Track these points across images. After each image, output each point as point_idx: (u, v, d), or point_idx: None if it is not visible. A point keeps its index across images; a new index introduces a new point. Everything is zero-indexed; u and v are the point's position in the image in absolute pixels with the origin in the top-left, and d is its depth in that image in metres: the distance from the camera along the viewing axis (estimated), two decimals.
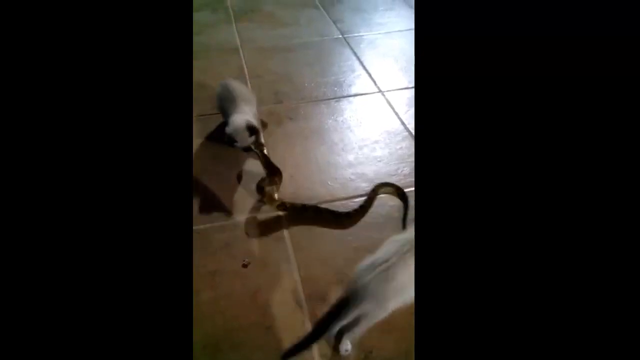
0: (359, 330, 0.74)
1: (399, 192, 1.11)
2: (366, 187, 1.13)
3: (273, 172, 1.13)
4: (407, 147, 1.27)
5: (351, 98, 1.50)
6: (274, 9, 2.10)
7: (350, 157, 1.24)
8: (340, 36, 1.87)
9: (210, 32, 1.90)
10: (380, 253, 0.74)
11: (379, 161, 1.23)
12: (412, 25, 1.91)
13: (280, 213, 1.06)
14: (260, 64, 1.67)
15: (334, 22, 1.98)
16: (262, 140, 1.27)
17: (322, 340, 0.73)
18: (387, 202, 1.10)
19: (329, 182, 1.16)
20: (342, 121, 1.39)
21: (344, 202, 1.09)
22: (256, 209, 1.08)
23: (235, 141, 1.13)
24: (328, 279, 0.91)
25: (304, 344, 0.71)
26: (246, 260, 0.95)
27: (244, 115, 1.16)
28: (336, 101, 1.48)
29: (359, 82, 1.58)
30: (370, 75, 1.61)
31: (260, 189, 1.07)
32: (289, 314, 0.85)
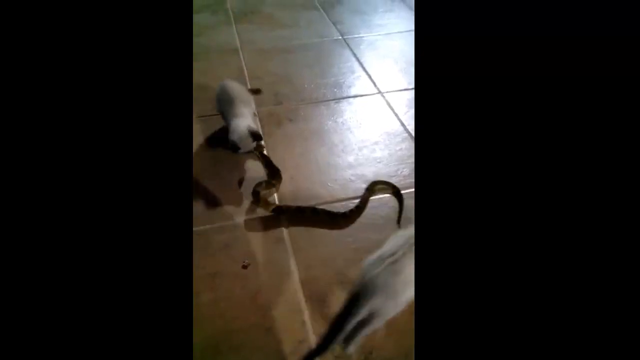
0: (373, 328, 0.72)
1: (394, 190, 1.11)
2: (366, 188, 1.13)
3: (274, 173, 1.14)
4: (407, 148, 1.27)
5: (351, 99, 1.50)
6: (273, 11, 2.10)
7: (350, 159, 1.24)
8: (340, 37, 1.88)
9: (210, 33, 1.90)
10: (387, 247, 0.73)
11: (379, 162, 1.23)
12: (412, 27, 1.92)
13: (284, 214, 1.06)
14: (260, 65, 1.67)
15: (334, 24, 1.98)
16: (262, 142, 1.27)
17: (338, 340, 0.71)
18: (386, 203, 1.10)
19: (329, 183, 1.16)
20: (342, 122, 1.39)
21: (344, 203, 1.09)
22: (256, 210, 1.08)
23: (239, 148, 1.14)
24: (328, 279, 0.91)
25: (322, 347, 0.70)
26: (246, 261, 0.95)
27: (244, 120, 1.17)
28: (336, 102, 1.48)
29: (358, 83, 1.58)
30: (370, 76, 1.62)
31: (255, 193, 1.07)
32: (289, 315, 0.85)
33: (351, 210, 1.05)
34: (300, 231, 1.02)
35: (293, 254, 0.97)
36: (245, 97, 1.29)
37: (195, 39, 1.80)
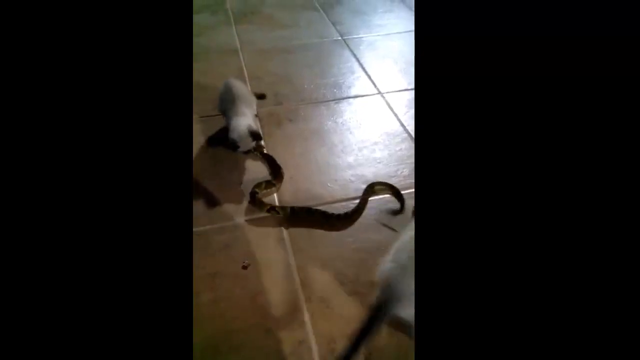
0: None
1: (393, 190, 1.11)
2: None
3: (276, 171, 1.15)
4: (407, 149, 1.27)
5: (351, 99, 1.50)
6: (273, 11, 2.10)
7: (350, 159, 1.24)
8: (340, 38, 1.88)
9: (210, 34, 1.90)
10: (399, 250, 0.73)
11: (379, 163, 1.23)
12: (412, 27, 1.92)
13: (279, 215, 1.06)
14: (259, 65, 1.67)
15: (334, 24, 1.98)
16: (262, 142, 1.27)
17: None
18: (386, 204, 1.10)
19: (329, 184, 1.16)
20: (341, 123, 1.39)
21: (343, 203, 1.09)
22: (256, 210, 1.08)
23: (239, 146, 1.15)
24: (328, 280, 0.91)
25: (352, 351, 0.69)
26: (246, 261, 0.95)
27: (245, 119, 1.18)
28: (336, 103, 1.48)
29: (358, 83, 1.58)
30: (369, 76, 1.62)
31: (253, 194, 1.08)
32: (289, 315, 0.85)
33: (346, 213, 1.05)
34: (301, 232, 1.02)
35: (293, 254, 0.97)
36: (248, 98, 1.29)
37: (195, 39, 1.80)
